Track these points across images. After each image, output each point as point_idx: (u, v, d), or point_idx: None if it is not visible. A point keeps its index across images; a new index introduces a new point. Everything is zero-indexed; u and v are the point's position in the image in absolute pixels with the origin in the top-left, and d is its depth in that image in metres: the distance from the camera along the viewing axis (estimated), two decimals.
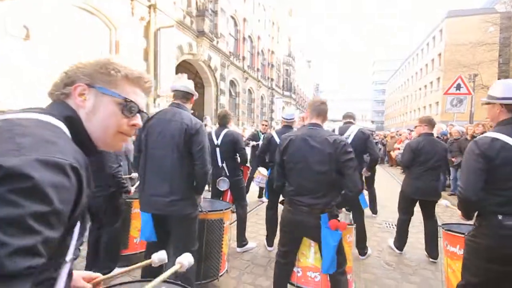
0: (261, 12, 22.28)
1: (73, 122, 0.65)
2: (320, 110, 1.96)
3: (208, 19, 12.79)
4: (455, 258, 2.14)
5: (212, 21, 13.61)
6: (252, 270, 2.93)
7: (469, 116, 13.80)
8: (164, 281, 0.96)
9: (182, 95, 2.10)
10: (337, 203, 1.89)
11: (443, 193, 6.33)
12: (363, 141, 3.11)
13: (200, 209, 2.21)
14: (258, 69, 22.12)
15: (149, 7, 9.31)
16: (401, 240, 3.39)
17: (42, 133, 0.53)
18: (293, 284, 2.18)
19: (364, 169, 3.41)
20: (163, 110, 2.10)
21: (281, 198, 2.88)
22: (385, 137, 14.46)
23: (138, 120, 0.75)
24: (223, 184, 3.35)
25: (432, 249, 3.21)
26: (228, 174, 3.34)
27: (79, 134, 0.66)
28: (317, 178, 1.83)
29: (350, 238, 2.28)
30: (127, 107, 0.71)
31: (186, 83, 2.12)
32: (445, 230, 2.30)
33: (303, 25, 40.15)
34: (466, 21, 26.21)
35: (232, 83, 18.38)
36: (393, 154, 8.68)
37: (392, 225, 4.28)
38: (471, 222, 1.69)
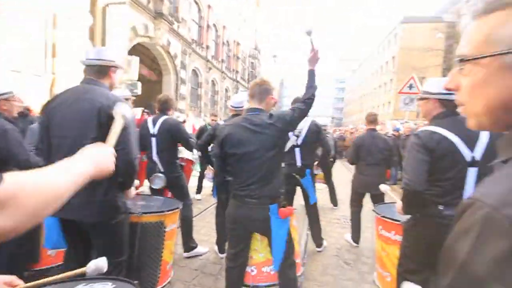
0: (228, 0, 21.51)
1: None
2: (253, 92, 1.80)
3: (168, 0, 11.84)
4: (389, 242, 2.21)
5: (172, 3, 12.63)
6: (201, 281, 2.58)
7: (416, 115, 15.06)
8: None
9: (97, 69, 1.65)
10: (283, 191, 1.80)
11: (393, 186, 6.66)
12: (316, 134, 3.06)
13: (130, 211, 1.81)
14: (223, 60, 21.44)
15: None
16: (355, 233, 3.46)
17: None
18: (248, 286, 1.97)
19: (315, 164, 3.41)
20: (69, 89, 1.64)
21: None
22: (344, 132, 15.04)
23: None
24: (158, 181, 2.83)
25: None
26: (162, 170, 2.84)
27: None
28: (264, 165, 1.70)
29: (295, 223, 2.24)
30: None
31: (104, 54, 1.66)
32: (380, 216, 2.32)
33: (270, 18, 40.02)
34: (418, 28, 28.45)
35: (194, 73, 17.51)
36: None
37: (349, 219, 4.30)
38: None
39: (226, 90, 23.38)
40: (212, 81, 20.36)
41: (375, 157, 3.29)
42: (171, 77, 13.98)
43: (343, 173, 8.65)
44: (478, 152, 1.46)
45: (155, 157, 2.85)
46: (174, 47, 13.47)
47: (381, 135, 3.61)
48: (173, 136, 2.86)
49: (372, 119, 3.47)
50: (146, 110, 6.79)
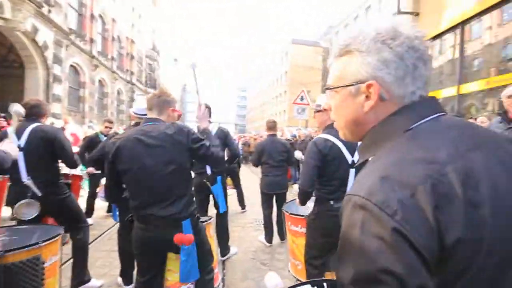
0: None
1: None
2: (151, 103, 1.70)
3: None
4: (298, 235, 2.47)
5: None
6: None
7: (306, 123, 17.45)
8: None
9: None
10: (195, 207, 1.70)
11: (294, 186, 7.28)
12: (223, 139, 3.06)
13: None
14: (113, 58, 18.70)
15: None
16: (268, 233, 3.64)
17: None
18: None
19: None
20: None
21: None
22: (249, 139, 15.76)
23: None
24: (28, 211, 2.17)
25: (281, 232, 3.68)
26: (40, 194, 2.23)
27: None
28: (166, 181, 1.54)
29: (212, 232, 2.31)
30: None
31: None
32: (289, 213, 2.57)
33: (170, 19, 38.07)
34: (304, 49, 33.31)
35: (74, 70, 14.48)
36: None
37: (262, 221, 4.39)
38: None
39: (119, 93, 20.51)
40: (100, 81, 17.40)
41: (276, 159, 3.63)
42: (39, 73, 10.99)
43: (251, 177, 8.89)
44: (356, 156, 1.79)
45: (25, 178, 2.21)
46: (44, 35, 10.69)
47: (280, 139, 4.04)
48: (48, 148, 2.29)
49: (271, 126, 3.84)
50: (2, 115, 4.96)
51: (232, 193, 5.23)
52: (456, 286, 0.40)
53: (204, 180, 2.96)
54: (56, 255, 1.96)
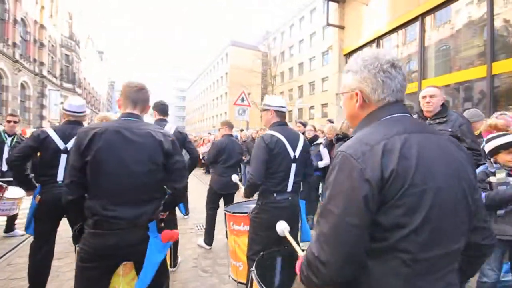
0: None
1: None
2: (137, 98, 1.55)
3: None
4: (240, 234, 2.46)
5: None
6: None
7: (247, 124, 17.50)
8: None
9: None
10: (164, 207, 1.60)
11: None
12: (181, 141, 2.79)
13: None
14: (15, 44, 15.33)
15: None
16: (210, 236, 3.51)
17: None
18: None
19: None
20: None
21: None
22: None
23: None
24: None
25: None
26: None
27: None
28: (139, 181, 1.43)
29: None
30: None
31: None
32: (230, 213, 2.57)
33: (96, 4, 33.82)
34: (243, 52, 33.56)
35: None
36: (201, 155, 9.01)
37: (203, 226, 4.11)
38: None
39: (24, 87, 16.95)
40: None
41: (233, 159, 3.61)
42: None
43: (193, 181, 8.44)
44: (298, 152, 2.02)
45: None
46: None
47: (237, 140, 4.04)
48: None
49: (231, 125, 3.89)
50: None
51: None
52: (392, 203, 0.67)
53: None
54: None
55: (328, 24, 7.47)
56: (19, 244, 3.38)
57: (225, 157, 3.55)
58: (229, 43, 35.86)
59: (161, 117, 2.86)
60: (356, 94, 0.83)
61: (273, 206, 1.95)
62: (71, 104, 2.34)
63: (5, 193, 3.18)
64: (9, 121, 3.78)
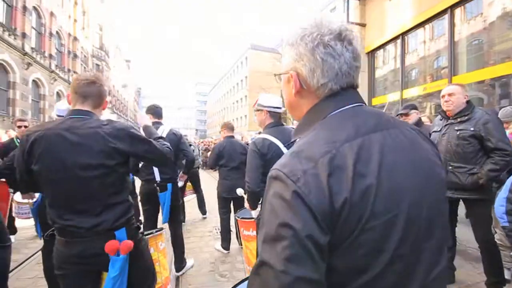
0: None
1: None
2: (86, 92, 1.37)
3: None
4: (250, 239, 2.43)
5: None
6: None
7: None
8: None
9: None
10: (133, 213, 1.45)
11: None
12: (176, 143, 2.76)
13: None
14: (51, 56, 16.55)
15: None
16: (226, 240, 3.44)
17: None
18: None
19: (180, 173, 3.25)
20: None
21: None
22: (209, 144, 15.12)
23: None
24: None
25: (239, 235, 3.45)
26: None
27: None
28: (91, 188, 1.28)
29: (162, 245, 2.09)
30: None
31: None
32: (240, 218, 2.55)
33: (120, 16, 35.70)
34: (263, 55, 33.67)
35: (1, 67, 12.39)
36: None
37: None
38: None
39: (59, 95, 18.22)
40: (35, 81, 15.22)
41: (235, 161, 3.45)
42: None
43: (211, 182, 8.47)
44: None
45: None
46: None
47: (238, 140, 3.87)
48: None
49: (231, 127, 3.76)
50: None
51: (192, 198, 5.09)
52: (348, 244, 0.48)
53: (155, 185, 2.67)
54: None
55: (349, 23, 7.32)
56: None
57: (225, 160, 3.46)
58: (249, 47, 36.17)
59: (156, 120, 2.85)
60: (292, 76, 0.62)
61: None
62: (59, 109, 2.35)
63: (14, 197, 3.29)
64: (19, 126, 3.68)
